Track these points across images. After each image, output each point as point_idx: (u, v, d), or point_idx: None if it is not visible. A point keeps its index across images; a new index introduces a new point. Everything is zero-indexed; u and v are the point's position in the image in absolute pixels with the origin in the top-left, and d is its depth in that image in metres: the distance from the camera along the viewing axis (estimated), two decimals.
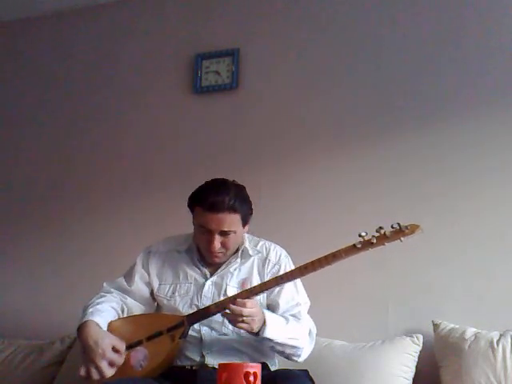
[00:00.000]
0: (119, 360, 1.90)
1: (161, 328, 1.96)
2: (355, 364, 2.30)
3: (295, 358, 2.02)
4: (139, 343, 1.96)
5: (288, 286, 2.06)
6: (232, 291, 2.01)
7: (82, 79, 3.30)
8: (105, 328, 1.96)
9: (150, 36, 3.22)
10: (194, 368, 1.97)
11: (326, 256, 1.88)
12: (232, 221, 1.99)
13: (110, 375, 1.87)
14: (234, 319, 1.85)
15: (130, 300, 2.13)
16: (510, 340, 2.18)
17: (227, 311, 1.87)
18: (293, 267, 2.06)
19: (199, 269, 2.11)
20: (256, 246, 2.14)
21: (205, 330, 2.01)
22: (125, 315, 2.10)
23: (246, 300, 1.85)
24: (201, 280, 2.09)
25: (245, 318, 1.83)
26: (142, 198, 3.03)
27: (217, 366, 1.62)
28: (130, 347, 1.95)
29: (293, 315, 2.04)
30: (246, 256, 2.11)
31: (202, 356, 1.99)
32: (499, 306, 2.37)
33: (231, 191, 1.99)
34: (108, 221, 3.08)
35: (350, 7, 2.86)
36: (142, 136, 3.12)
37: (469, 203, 2.51)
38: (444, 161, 2.58)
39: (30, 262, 3.17)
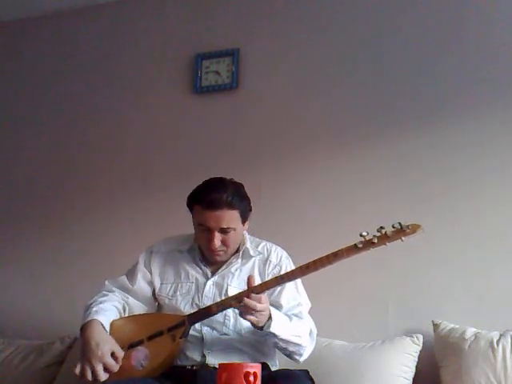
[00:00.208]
0: (115, 367, 1.90)
1: (162, 327, 1.96)
2: (355, 364, 2.30)
3: (297, 357, 2.02)
4: (140, 343, 1.96)
5: (289, 287, 2.06)
6: (233, 291, 2.01)
7: (82, 79, 3.30)
8: (108, 327, 1.97)
9: (150, 36, 3.22)
10: (194, 368, 1.97)
11: (327, 256, 1.88)
12: (231, 217, 1.99)
13: (103, 379, 1.88)
14: (246, 311, 1.85)
15: (131, 299, 2.13)
16: (510, 340, 2.18)
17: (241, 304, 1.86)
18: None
19: (200, 268, 2.11)
20: (257, 247, 2.14)
21: (206, 329, 2.01)
22: (126, 314, 2.10)
23: (261, 295, 1.86)
24: (202, 280, 2.09)
25: (257, 313, 1.84)
26: (141, 198, 3.03)
27: (217, 366, 1.62)
28: (130, 347, 1.95)
29: (295, 315, 2.04)
30: (247, 256, 2.12)
31: (203, 356, 1.99)
32: (499, 306, 2.37)
33: (229, 188, 2.00)
34: (108, 221, 3.08)
35: (350, 7, 2.86)
36: (142, 136, 3.12)
37: (469, 203, 2.51)
38: (444, 161, 2.58)
39: (30, 262, 3.17)
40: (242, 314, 1.88)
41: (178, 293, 2.09)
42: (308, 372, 1.99)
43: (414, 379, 2.31)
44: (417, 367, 2.33)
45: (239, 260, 2.11)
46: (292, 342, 1.98)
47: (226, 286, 2.06)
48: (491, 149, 2.53)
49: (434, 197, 2.56)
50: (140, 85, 3.18)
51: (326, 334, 2.40)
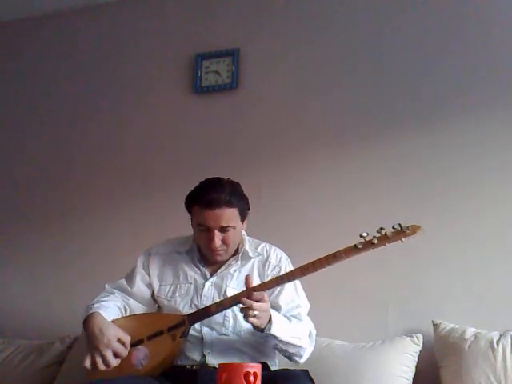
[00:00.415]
0: (124, 351, 1.91)
1: (162, 327, 1.97)
2: (355, 364, 2.30)
3: (297, 359, 2.02)
4: (140, 342, 1.96)
5: (288, 288, 2.06)
6: (232, 292, 2.01)
7: (82, 79, 3.30)
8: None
9: (150, 36, 3.22)
10: (194, 368, 1.97)
11: (326, 256, 1.88)
12: (230, 216, 2.00)
13: (114, 365, 1.88)
14: (247, 313, 1.83)
15: (132, 301, 2.13)
16: (510, 340, 2.18)
17: (241, 305, 1.86)
18: None
19: (199, 269, 2.11)
20: (256, 249, 2.14)
21: (205, 330, 2.01)
22: (127, 315, 2.10)
23: (264, 292, 1.86)
24: (201, 280, 2.09)
25: (257, 313, 1.83)
26: (141, 198, 3.03)
27: (217, 366, 1.62)
28: (131, 346, 1.95)
29: (293, 316, 2.04)
30: (246, 258, 2.12)
31: (203, 356, 1.99)
32: (499, 306, 2.37)
33: (226, 187, 2.01)
34: (108, 221, 3.08)
35: (350, 7, 2.86)
36: (142, 136, 3.12)
37: (469, 203, 2.51)
38: (444, 161, 2.58)
39: (30, 262, 3.17)
40: (245, 317, 1.87)
41: (177, 294, 2.09)
42: (308, 372, 1.98)
43: (413, 379, 2.31)
44: (417, 367, 2.33)
45: (238, 261, 2.11)
46: (292, 344, 1.97)
47: (224, 287, 2.06)
48: (491, 149, 2.53)
49: (434, 197, 2.56)
50: (140, 85, 3.18)
51: (326, 334, 2.40)
